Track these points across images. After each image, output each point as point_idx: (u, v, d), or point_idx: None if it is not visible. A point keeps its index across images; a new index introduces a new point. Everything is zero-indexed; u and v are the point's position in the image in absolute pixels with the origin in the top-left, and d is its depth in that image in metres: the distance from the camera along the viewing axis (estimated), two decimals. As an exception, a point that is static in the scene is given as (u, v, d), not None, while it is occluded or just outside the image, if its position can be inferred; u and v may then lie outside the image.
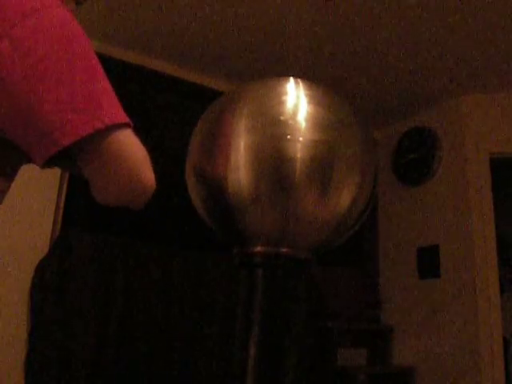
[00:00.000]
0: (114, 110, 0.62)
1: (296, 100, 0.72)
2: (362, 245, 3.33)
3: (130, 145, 0.63)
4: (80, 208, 2.32)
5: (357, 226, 0.81)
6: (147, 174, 0.63)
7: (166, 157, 2.52)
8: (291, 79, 0.76)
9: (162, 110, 2.71)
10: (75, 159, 0.63)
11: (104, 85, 0.63)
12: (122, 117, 0.62)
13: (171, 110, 2.74)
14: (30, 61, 0.58)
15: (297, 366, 0.79)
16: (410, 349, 2.99)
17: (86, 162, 0.63)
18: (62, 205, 2.30)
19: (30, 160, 0.68)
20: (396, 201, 3.28)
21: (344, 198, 0.73)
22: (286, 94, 0.73)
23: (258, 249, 0.80)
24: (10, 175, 0.69)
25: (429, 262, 2.96)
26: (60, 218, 2.28)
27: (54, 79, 0.59)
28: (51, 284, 2.06)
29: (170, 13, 2.34)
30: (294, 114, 0.71)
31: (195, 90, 2.84)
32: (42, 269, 2.09)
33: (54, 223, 2.26)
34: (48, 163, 0.62)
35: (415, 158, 3.15)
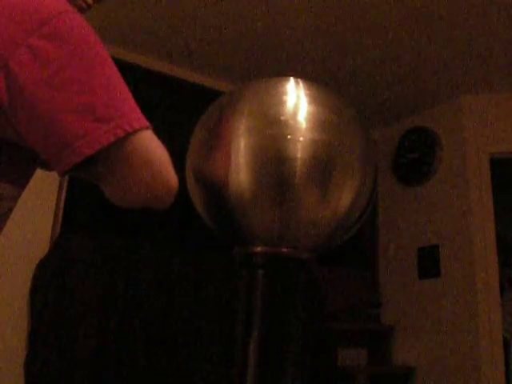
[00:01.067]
0: (134, 116, 0.62)
1: (296, 100, 0.72)
2: (362, 245, 3.33)
3: (152, 147, 0.63)
4: (80, 208, 2.32)
5: (357, 226, 0.81)
6: (170, 174, 0.64)
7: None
8: (291, 79, 0.76)
9: (162, 109, 2.71)
10: (96, 165, 0.63)
11: (122, 90, 0.63)
12: (142, 121, 0.63)
13: (171, 110, 2.74)
14: (49, 69, 0.58)
15: (297, 366, 0.79)
16: (409, 349, 2.99)
17: (109, 168, 0.63)
18: (61, 205, 2.30)
19: (42, 166, 0.68)
20: (396, 201, 3.28)
21: (344, 197, 0.73)
22: (286, 93, 0.73)
23: (259, 249, 0.80)
24: (22, 183, 0.69)
25: (429, 262, 2.96)
26: (60, 218, 2.28)
27: (74, 88, 0.59)
28: (51, 284, 2.06)
29: (170, 13, 2.34)
30: (295, 113, 0.71)
31: (195, 89, 2.84)
32: (42, 269, 2.09)
33: (53, 223, 2.26)
34: (68, 171, 0.62)
35: (415, 158, 3.15)
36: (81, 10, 0.82)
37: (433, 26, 2.32)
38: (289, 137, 0.69)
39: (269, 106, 0.73)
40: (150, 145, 0.63)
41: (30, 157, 0.66)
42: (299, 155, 0.69)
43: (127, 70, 2.81)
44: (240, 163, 0.72)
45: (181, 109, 2.75)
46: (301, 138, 0.69)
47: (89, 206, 2.28)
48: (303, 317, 0.81)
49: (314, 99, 0.73)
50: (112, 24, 2.45)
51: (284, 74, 0.84)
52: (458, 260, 2.80)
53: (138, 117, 0.62)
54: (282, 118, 0.70)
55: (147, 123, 0.63)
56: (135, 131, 0.61)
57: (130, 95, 0.64)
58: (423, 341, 2.91)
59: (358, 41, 2.48)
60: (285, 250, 0.78)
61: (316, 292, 2.79)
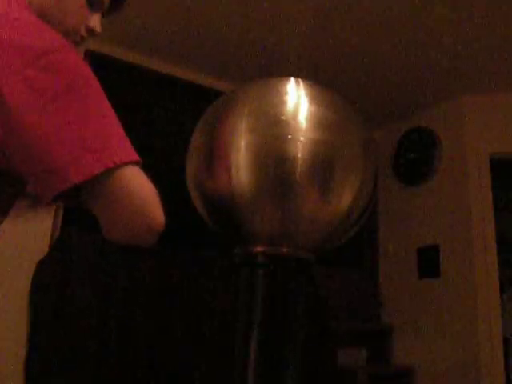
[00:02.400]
0: (124, 149, 0.63)
1: (297, 100, 0.72)
2: (362, 245, 3.33)
3: (138, 183, 0.63)
4: (80, 208, 2.32)
5: (357, 226, 0.81)
6: (156, 212, 0.64)
7: (167, 157, 2.51)
8: (292, 79, 0.76)
9: (163, 110, 2.71)
10: (81, 195, 0.64)
11: (113, 123, 0.64)
12: (132, 155, 0.63)
13: (171, 110, 2.74)
14: (43, 98, 0.59)
15: (297, 366, 0.79)
16: (410, 349, 2.99)
17: (94, 199, 0.64)
18: (61, 205, 2.30)
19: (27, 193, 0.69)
20: (396, 201, 3.28)
21: (345, 197, 0.73)
22: (286, 93, 0.73)
23: (259, 249, 0.80)
24: (4, 210, 0.70)
25: (429, 262, 2.96)
26: (60, 218, 2.28)
27: (65, 117, 0.60)
28: (51, 284, 2.06)
29: (171, 13, 2.34)
30: (295, 113, 0.71)
31: (195, 90, 2.84)
32: (41, 269, 2.09)
33: (53, 223, 2.26)
34: (55, 198, 0.62)
35: (415, 158, 3.15)
36: (76, 43, 0.85)
37: (433, 25, 2.32)
38: (289, 136, 0.69)
39: (269, 105, 0.73)
40: (137, 180, 0.63)
41: (14, 184, 0.67)
42: (300, 155, 0.69)
43: (126, 70, 2.81)
44: (241, 163, 0.72)
45: (181, 109, 2.74)
46: (301, 138, 0.69)
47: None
48: (303, 316, 0.81)
49: (314, 99, 0.73)
50: (112, 24, 2.44)
51: (284, 74, 0.84)
52: (458, 260, 2.80)
53: (127, 150, 0.63)
54: (282, 117, 0.70)
55: (137, 157, 0.64)
56: (123, 164, 0.61)
57: (120, 129, 0.65)
58: (423, 341, 2.91)
59: (358, 41, 2.48)
60: (285, 249, 0.78)
61: (316, 292, 2.78)
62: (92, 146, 0.60)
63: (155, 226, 0.64)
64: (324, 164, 0.70)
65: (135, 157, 0.63)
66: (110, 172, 0.60)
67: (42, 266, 2.10)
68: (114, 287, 2.19)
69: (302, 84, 0.75)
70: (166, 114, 2.72)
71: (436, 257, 2.92)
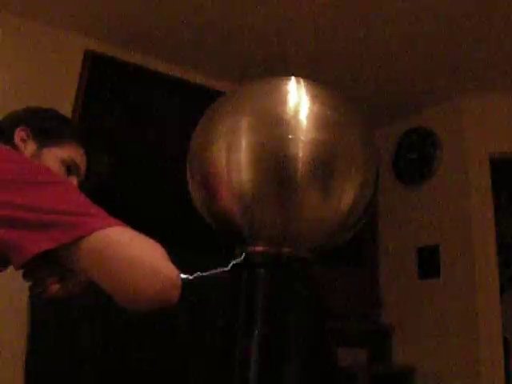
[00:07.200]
0: (95, 219, 0.65)
1: (298, 99, 0.72)
2: (362, 245, 3.33)
3: (116, 244, 0.66)
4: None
5: (358, 226, 0.80)
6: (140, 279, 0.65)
7: (167, 157, 2.51)
8: (293, 78, 0.76)
9: (163, 110, 2.71)
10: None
11: (79, 199, 0.69)
12: (101, 223, 0.65)
13: (172, 110, 2.74)
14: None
15: (298, 366, 0.79)
16: (410, 349, 2.99)
17: (85, 268, 0.66)
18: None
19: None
20: (396, 201, 3.28)
21: (346, 197, 0.73)
22: (287, 93, 0.73)
23: (260, 249, 0.79)
24: None
25: (429, 262, 2.96)
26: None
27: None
28: (51, 284, 2.06)
29: (171, 12, 2.34)
30: (296, 113, 0.71)
31: (196, 90, 2.84)
32: (41, 269, 2.08)
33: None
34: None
35: (415, 158, 3.15)
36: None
37: (433, 25, 2.32)
38: (290, 136, 0.69)
39: (270, 105, 0.73)
40: (113, 243, 0.65)
41: None
42: (301, 154, 0.69)
43: (126, 70, 2.80)
44: (241, 162, 0.72)
45: (181, 109, 2.74)
46: (302, 138, 0.69)
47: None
48: (304, 317, 0.81)
49: (315, 98, 0.73)
50: (112, 24, 2.44)
51: (285, 73, 0.84)
52: (458, 260, 2.80)
53: (99, 220, 0.65)
54: (283, 117, 0.70)
55: (109, 222, 0.66)
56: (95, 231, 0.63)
57: (88, 202, 0.69)
58: (423, 341, 2.91)
59: (358, 41, 2.48)
60: (286, 249, 0.78)
61: (316, 292, 2.78)
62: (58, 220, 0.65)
63: (139, 289, 0.64)
64: (325, 164, 0.70)
65: (105, 223, 0.66)
66: (78, 240, 0.63)
67: (41, 265, 2.10)
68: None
69: (303, 83, 0.75)
70: (166, 114, 2.72)
71: (436, 257, 2.92)
